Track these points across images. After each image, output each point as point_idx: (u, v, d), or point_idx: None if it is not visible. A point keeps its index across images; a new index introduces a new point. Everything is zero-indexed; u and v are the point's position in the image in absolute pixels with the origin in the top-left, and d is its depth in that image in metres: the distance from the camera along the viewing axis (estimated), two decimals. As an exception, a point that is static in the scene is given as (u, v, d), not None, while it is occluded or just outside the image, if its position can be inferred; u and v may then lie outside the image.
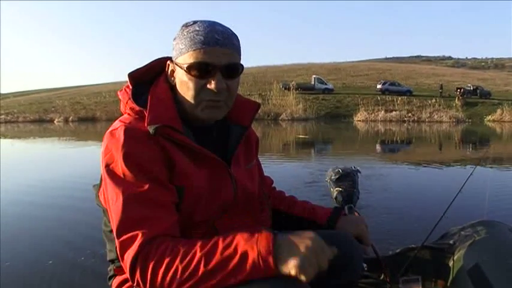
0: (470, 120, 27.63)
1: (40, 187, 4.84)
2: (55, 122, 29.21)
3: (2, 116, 31.32)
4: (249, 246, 0.79)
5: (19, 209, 3.74)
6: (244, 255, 0.78)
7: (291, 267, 0.76)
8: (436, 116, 28.33)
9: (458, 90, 33.43)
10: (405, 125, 24.01)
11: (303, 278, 0.76)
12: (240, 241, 0.80)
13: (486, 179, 4.35)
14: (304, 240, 0.80)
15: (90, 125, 23.89)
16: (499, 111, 28.73)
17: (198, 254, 0.80)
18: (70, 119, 30.36)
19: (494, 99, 33.38)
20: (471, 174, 2.08)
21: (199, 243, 0.82)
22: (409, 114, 29.07)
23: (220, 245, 0.81)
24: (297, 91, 32.24)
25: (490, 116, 28.55)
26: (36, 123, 28.61)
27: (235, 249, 0.79)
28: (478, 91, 34.98)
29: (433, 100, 30.89)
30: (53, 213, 3.58)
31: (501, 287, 1.20)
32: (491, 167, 6.17)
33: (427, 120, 27.75)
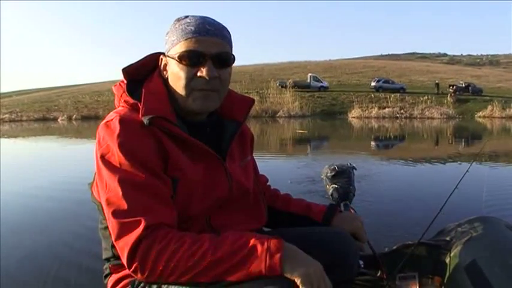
0: (460, 117, 27.74)
1: (39, 185, 4.73)
2: (59, 120, 29.15)
3: (6, 115, 31.19)
4: (259, 242, 0.79)
5: (15, 207, 3.66)
6: (253, 248, 0.78)
7: (298, 273, 0.77)
8: (427, 113, 28.41)
9: (451, 87, 33.54)
10: (398, 121, 24.09)
11: (296, 277, 0.77)
12: (251, 237, 0.81)
13: (482, 175, 4.31)
14: (314, 261, 0.81)
15: (93, 123, 23.82)
16: (489, 107, 28.88)
17: (206, 244, 0.79)
18: (74, 117, 30.33)
19: (485, 96, 33.53)
20: (467, 170, 2.04)
21: (208, 235, 0.82)
22: (402, 111, 29.15)
23: (230, 238, 0.81)
24: (294, 89, 32.37)
25: (480, 112, 28.67)
26: (40, 121, 28.52)
27: (246, 243, 0.79)
28: (470, 88, 35.10)
29: (425, 97, 30.96)
30: (48, 211, 3.51)
31: (498, 283, 1.17)
32: (487, 163, 6.06)
33: (418, 116, 27.84)
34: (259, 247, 0.78)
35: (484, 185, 2.97)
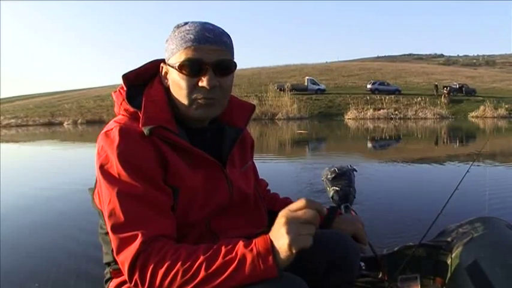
0: (453, 117, 27.85)
1: (39, 190, 4.60)
2: (64, 125, 29.20)
3: (12, 120, 31.19)
4: (247, 249, 0.77)
5: (15, 212, 3.58)
6: (243, 257, 0.76)
7: (283, 250, 0.74)
8: (420, 114, 28.52)
9: (445, 88, 33.63)
10: (392, 122, 24.13)
11: (294, 250, 0.74)
12: (240, 245, 0.78)
13: (483, 176, 4.23)
14: (282, 222, 0.76)
15: (98, 127, 23.83)
16: (482, 107, 29.04)
17: (201, 258, 0.77)
18: (79, 121, 30.39)
19: (479, 96, 33.64)
20: (468, 170, 2.00)
21: (202, 248, 0.80)
22: (396, 112, 29.26)
23: (223, 250, 0.78)
24: (291, 92, 32.45)
25: (473, 113, 28.79)
26: (46, 126, 28.54)
27: (236, 253, 0.77)
28: (463, 89, 35.26)
29: (419, 98, 31.03)
30: (48, 216, 3.44)
31: (499, 284, 1.14)
32: (487, 163, 5.92)
33: (412, 117, 27.93)
34: (248, 255, 0.76)
35: (485, 185, 2.91)
